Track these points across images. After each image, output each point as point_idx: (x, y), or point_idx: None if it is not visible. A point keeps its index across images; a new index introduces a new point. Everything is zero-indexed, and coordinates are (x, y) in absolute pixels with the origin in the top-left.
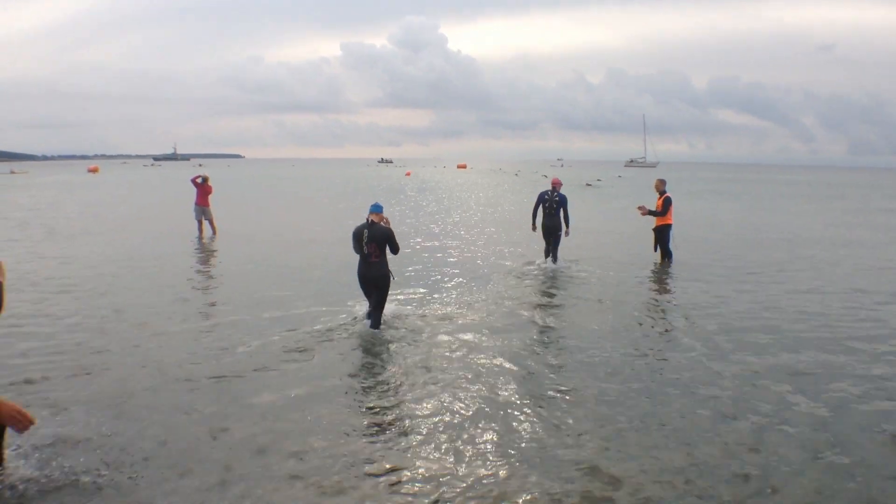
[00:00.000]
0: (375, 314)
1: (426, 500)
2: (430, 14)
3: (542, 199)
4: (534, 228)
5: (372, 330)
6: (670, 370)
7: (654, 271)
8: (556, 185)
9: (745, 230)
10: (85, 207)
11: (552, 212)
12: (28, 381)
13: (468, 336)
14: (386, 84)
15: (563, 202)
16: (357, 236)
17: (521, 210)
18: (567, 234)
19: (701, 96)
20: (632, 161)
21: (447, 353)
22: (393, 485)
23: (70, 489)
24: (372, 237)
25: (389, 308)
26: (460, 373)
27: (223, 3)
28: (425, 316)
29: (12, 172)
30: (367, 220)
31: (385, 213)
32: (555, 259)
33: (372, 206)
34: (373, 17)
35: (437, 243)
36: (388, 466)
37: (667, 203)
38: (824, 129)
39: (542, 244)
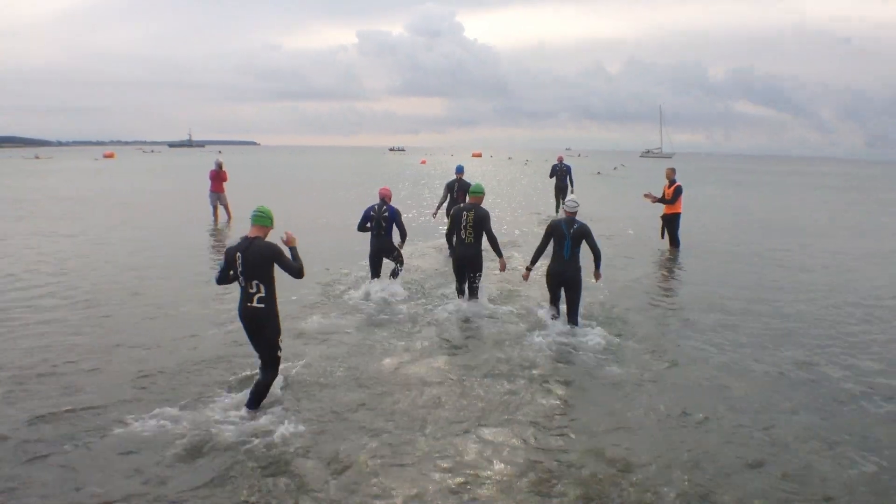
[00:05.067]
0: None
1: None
2: (446, 2)
3: (554, 170)
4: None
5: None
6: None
7: (661, 256)
8: (560, 159)
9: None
10: (104, 195)
11: (562, 176)
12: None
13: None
14: (403, 72)
15: (569, 170)
16: (450, 186)
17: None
18: (572, 192)
19: (718, 87)
20: (648, 152)
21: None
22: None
23: None
24: (461, 188)
25: None
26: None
27: None
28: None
29: (37, 158)
30: (456, 177)
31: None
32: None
33: (457, 166)
34: (388, 5)
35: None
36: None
37: (677, 191)
38: (841, 122)
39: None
